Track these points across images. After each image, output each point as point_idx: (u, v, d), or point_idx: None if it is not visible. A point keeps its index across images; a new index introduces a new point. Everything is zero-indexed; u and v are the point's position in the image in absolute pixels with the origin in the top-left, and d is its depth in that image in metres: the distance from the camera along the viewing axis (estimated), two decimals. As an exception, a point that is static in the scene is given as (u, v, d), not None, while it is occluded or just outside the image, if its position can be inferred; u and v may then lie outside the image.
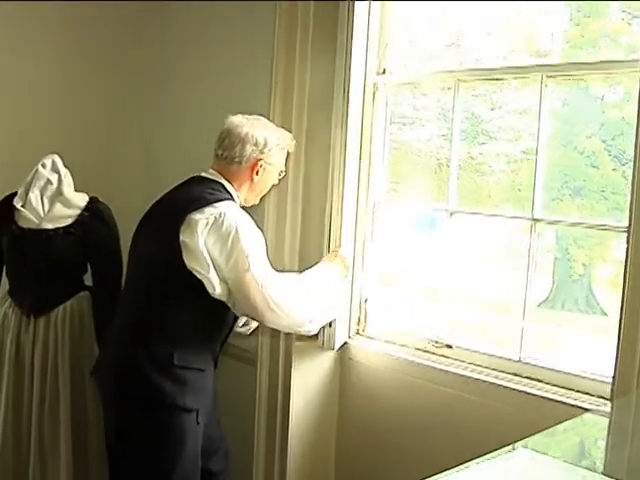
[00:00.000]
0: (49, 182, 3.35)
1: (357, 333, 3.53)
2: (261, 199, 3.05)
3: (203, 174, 2.86)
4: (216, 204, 2.67)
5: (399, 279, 3.57)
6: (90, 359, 3.32)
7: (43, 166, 3.37)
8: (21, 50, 3.96)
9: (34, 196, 3.32)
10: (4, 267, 3.42)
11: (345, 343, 3.48)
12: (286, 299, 2.78)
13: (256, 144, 2.81)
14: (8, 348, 3.36)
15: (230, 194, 2.80)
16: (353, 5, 3.22)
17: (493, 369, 3.07)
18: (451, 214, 3.23)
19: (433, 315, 3.31)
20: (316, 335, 3.23)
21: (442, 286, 3.28)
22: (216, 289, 2.67)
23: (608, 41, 3.67)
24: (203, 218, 2.63)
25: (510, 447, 1.90)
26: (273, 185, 3.01)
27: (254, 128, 2.84)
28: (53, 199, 3.35)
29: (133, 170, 4.33)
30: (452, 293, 3.28)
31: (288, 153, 3.00)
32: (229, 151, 2.81)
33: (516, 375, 3.00)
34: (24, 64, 3.98)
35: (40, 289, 3.34)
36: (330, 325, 3.28)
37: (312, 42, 3.28)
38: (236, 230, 2.65)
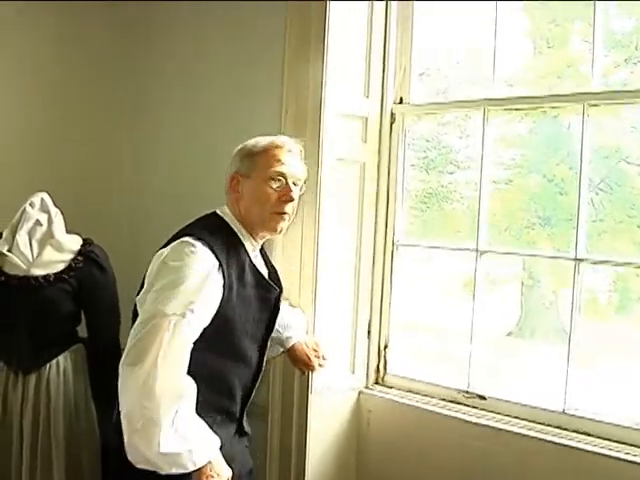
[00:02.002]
0: (38, 223, 3.02)
1: (376, 382, 3.31)
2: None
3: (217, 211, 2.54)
4: (184, 238, 2.32)
5: (422, 324, 3.35)
6: (87, 419, 3.04)
7: (31, 205, 3.04)
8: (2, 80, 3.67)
9: (22, 239, 2.99)
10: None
11: (360, 393, 3.26)
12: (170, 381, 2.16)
13: (232, 161, 2.51)
14: (-5, 408, 3.02)
15: (223, 228, 2.45)
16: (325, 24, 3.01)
17: (533, 421, 2.87)
18: (481, 254, 3.03)
19: (462, 363, 3.09)
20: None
21: (466, 330, 3.08)
22: None
23: (571, 71, 3.63)
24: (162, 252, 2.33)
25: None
26: (284, 198, 2.44)
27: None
28: (43, 242, 3.02)
29: (128, 207, 4.03)
30: (480, 337, 3.08)
31: (277, 156, 2.47)
32: None
33: (560, 428, 2.81)
34: (5, 93, 3.69)
35: (29, 343, 2.99)
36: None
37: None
38: (177, 264, 2.26)
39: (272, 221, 2.45)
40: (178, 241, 2.33)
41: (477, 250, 3.04)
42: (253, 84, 3.49)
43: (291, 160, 2.47)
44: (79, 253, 3.05)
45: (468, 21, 3.52)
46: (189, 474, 2.21)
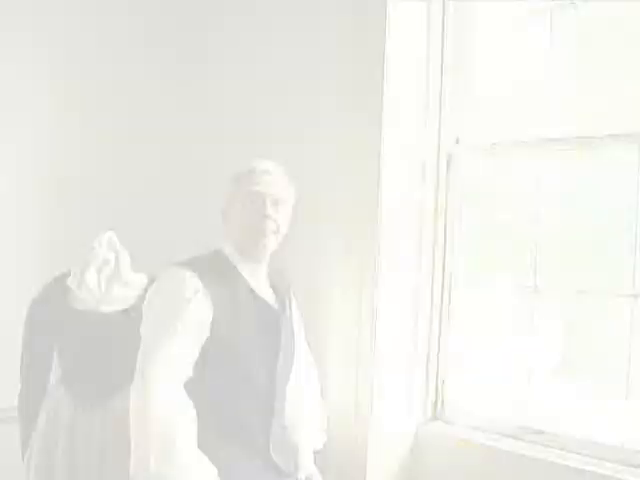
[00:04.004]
0: (106, 261, 3.12)
1: (434, 418, 3.34)
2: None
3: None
4: (168, 268, 2.53)
5: (480, 359, 3.39)
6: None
7: (99, 244, 3.14)
8: (68, 120, 3.82)
9: (90, 276, 3.09)
10: (55, 352, 3.16)
11: (418, 429, 3.30)
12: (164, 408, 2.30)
13: None
14: (62, 442, 3.04)
15: (214, 256, 2.60)
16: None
17: (594, 457, 2.88)
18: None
19: (520, 398, 3.12)
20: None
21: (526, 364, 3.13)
22: None
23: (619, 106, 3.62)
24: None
25: None
26: (259, 215, 2.53)
27: None
28: (111, 280, 3.11)
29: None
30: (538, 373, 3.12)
31: (252, 178, 2.57)
32: None
33: (620, 463, 2.82)
34: (71, 133, 3.84)
35: (97, 376, 3.07)
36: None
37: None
38: (161, 292, 2.51)
39: (254, 239, 2.55)
40: (163, 272, 2.53)
41: (535, 287, 3.09)
42: (311, 127, 3.54)
43: (265, 180, 2.56)
44: (145, 290, 3.14)
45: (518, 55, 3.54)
46: None
